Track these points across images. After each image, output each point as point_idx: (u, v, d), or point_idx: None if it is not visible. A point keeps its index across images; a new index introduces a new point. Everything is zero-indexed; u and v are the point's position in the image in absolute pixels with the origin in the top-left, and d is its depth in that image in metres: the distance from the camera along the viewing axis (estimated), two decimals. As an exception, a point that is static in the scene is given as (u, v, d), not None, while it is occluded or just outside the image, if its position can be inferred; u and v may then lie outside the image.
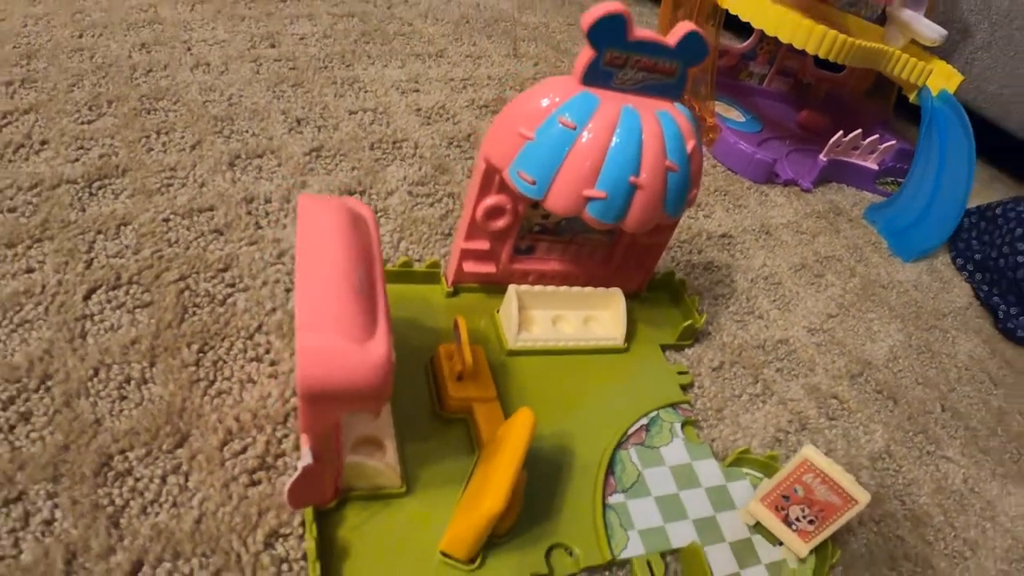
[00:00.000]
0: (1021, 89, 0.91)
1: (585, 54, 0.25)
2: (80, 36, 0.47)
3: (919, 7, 0.68)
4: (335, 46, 0.53)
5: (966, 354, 0.50)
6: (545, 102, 0.26)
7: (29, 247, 0.31)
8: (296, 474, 0.20)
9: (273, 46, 0.51)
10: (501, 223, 0.30)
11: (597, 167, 0.25)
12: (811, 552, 0.28)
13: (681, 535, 0.27)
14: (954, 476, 0.39)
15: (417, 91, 0.50)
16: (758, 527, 0.28)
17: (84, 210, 0.34)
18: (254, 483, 0.24)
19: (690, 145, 0.27)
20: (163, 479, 0.24)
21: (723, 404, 0.35)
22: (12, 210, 0.33)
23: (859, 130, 0.62)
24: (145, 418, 0.25)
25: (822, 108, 0.72)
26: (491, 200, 0.29)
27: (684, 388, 0.34)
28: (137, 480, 0.23)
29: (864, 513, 0.33)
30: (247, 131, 0.41)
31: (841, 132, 0.60)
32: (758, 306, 0.43)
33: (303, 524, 0.23)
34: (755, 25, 0.51)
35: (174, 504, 0.23)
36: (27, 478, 0.23)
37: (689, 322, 0.36)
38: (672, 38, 0.26)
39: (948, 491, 0.37)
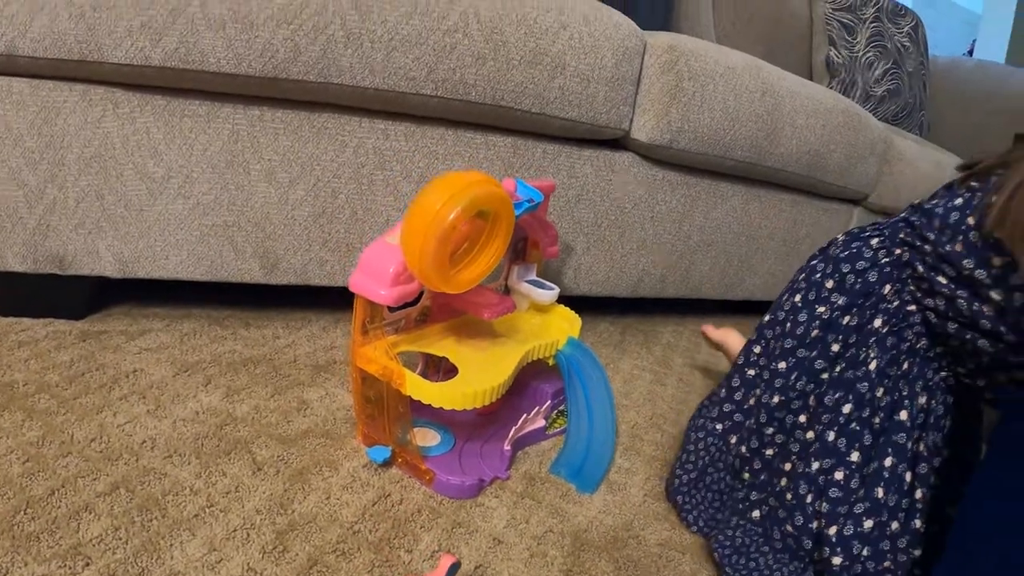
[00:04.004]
0: (619, 267, 1.38)
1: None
2: None
3: (529, 273, 1.06)
4: (133, 538, 0.73)
5: (656, 543, 0.87)
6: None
7: None
8: None
9: (88, 564, 0.70)
10: None
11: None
12: None
13: None
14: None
15: (220, 560, 0.74)
16: None
17: None
18: None
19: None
20: None
21: None
22: None
23: (524, 414, 0.97)
24: None
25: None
26: None
27: None
28: None
29: None
30: None
31: (513, 428, 0.94)
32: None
33: None
34: (444, 406, 0.83)
35: None
36: None
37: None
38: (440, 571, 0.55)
39: None
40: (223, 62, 0.97)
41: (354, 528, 0.79)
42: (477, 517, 0.86)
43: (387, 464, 0.91)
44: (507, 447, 0.94)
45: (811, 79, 2.39)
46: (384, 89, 1.06)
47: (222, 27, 0.95)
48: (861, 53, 2.39)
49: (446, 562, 0.55)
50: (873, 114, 2.33)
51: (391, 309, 0.89)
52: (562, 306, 1.07)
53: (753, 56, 1.56)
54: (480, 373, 0.86)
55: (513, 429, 0.95)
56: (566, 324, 1.04)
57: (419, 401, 0.83)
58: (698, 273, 1.61)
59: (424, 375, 0.90)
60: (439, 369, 1.01)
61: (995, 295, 0.72)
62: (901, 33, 2.49)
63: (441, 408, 0.84)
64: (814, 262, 0.90)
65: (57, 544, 0.71)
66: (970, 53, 4.46)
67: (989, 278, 0.72)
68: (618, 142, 1.37)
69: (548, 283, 1.05)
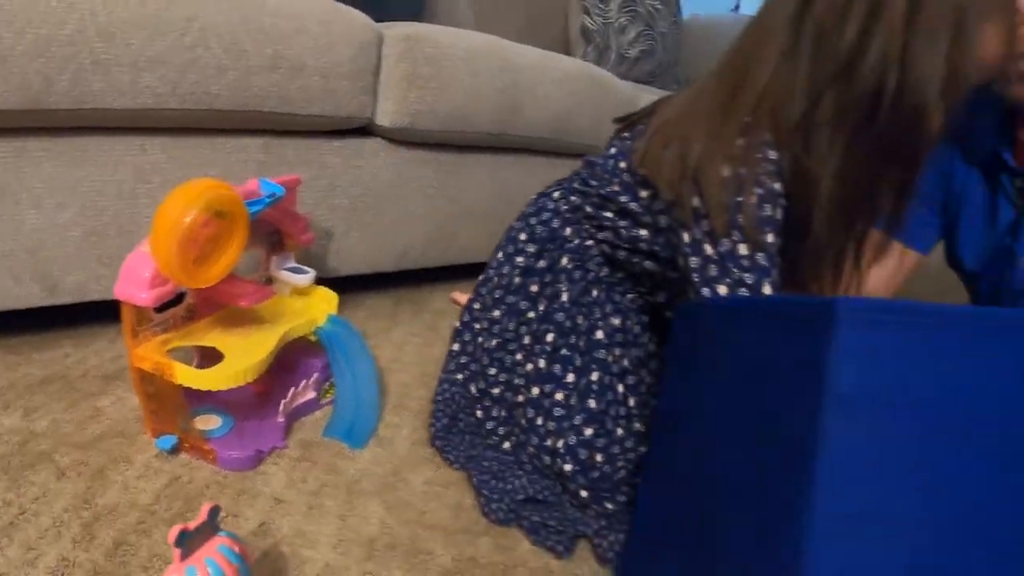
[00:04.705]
0: (379, 245, 1.55)
1: (176, 555, 0.67)
2: None
3: (287, 262, 1.19)
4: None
5: (423, 483, 1.02)
6: (170, 577, 0.67)
7: None
8: None
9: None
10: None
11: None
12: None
13: None
14: None
15: (38, 557, 0.78)
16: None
17: None
18: None
19: (238, 547, 0.71)
20: None
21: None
22: None
23: (293, 387, 1.11)
24: None
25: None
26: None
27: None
28: None
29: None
30: None
31: (283, 402, 1.08)
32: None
33: None
34: (210, 388, 0.95)
35: None
36: None
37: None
38: (201, 520, 0.69)
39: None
40: (-20, 99, 1.02)
41: (151, 510, 0.91)
42: (259, 483, 0.99)
43: (176, 451, 1.02)
44: (280, 419, 1.07)
45: (569, 49, 2.61)
46: (134, 108, 1.14)
47: (-23, 66, 1.01)
48: (615, 19, 2.63)
49: (205, 508, 0.68)
50: (628, 74, 2.58)
51: (157, 310, 1.01)
52: (322, 287, 1.21)
53: (510, 34, 1.74)
54: (242, 355, 0.99)
55: (283, 402, 1.09)
56: (325, 303, 1.19)
57: (200, 391, 0.95)
58: (460, 241, 1.79)
59: (201, 367, 1.01)
60: (212, 359, 1.13)
61: (647, 219, 0.92)
62: (653, -4, 2.74)
63: (219, 393, 0.97)
64: (513, 223, 1.08)
65: None
66: (736, 8, 4.80)
67: (640, 207, 0.93)
68: (365, 129, 1.52)
69: (305, 268, 1.19)
